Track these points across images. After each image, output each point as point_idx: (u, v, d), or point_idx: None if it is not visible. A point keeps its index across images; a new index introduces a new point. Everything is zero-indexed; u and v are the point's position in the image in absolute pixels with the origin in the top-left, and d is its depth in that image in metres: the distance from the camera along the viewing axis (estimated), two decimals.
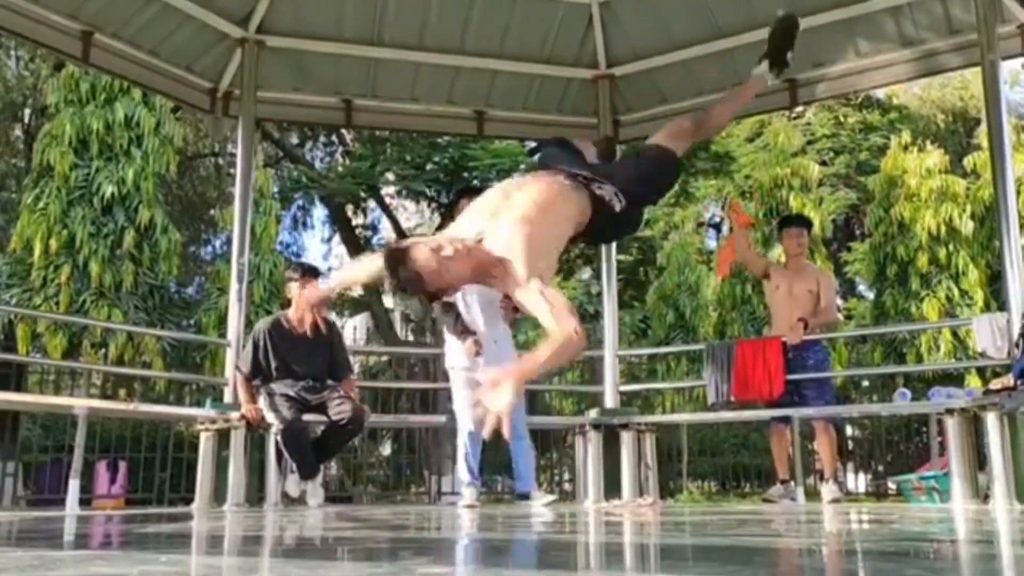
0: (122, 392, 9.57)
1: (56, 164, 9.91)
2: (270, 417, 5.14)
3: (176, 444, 8.28)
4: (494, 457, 9.08)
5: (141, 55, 5.90)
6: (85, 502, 6.28)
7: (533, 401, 8.26)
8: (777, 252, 8.54)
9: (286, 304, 6.42)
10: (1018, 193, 9.07)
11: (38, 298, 9.62)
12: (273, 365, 5.25)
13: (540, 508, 4.96)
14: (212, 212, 14.77)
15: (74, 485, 4.87)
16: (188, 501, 5.69)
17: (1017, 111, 14.54)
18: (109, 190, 9.89)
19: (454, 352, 5.27)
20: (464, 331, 5.12)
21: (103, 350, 9.81)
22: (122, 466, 8.00)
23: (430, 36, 6.41)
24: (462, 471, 5.31)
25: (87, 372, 8.54)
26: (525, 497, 5.30)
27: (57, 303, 9.58)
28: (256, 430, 5.27)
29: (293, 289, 5.39)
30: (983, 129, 9.28)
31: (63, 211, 9.83)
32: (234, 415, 5.27)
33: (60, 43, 5.61)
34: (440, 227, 14.74)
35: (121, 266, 9.88)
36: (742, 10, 6.07)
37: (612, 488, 5.77)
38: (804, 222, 6.45)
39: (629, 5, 6.33)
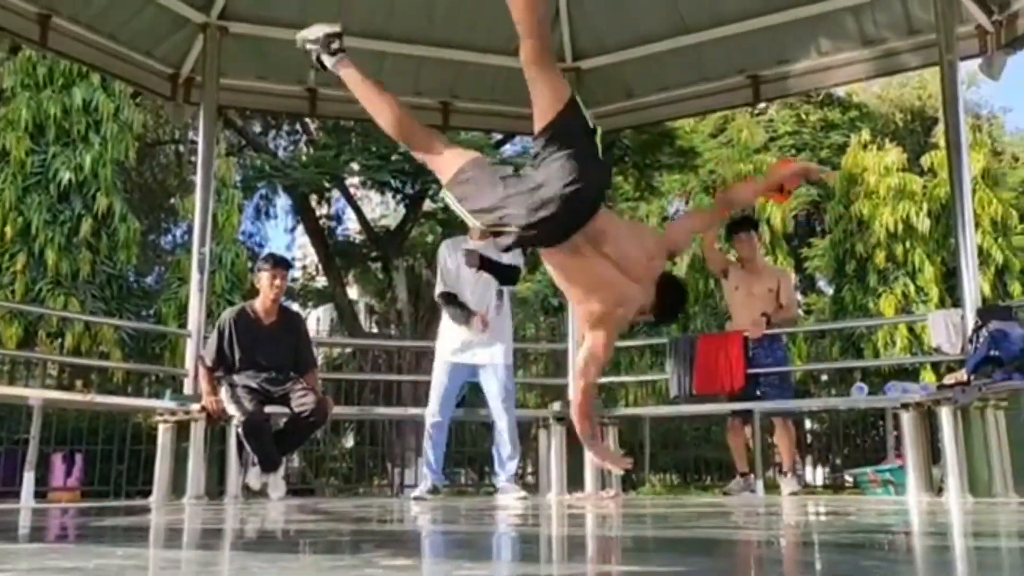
0: (79, 383, 9.41)
1: (12, 150, 9.70)
2: (231, 409, 5.09)
3: (134, 436, 8.15)
4: (457, 449, 9.08)
5: (100, 39, 5.78)
6: (40, 495, 6.15)
7: None
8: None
9: (249, 295, 6.35)
10: (974, 192, 9.26)
11: None
12: (237, 356, 5.20)
13: (507, 501, 4.97)
14: (172, 200, 14.54)
15: (29, 478, 4.79)
16: (146, 494, 5.61)
17: (973, 110, 14.82)
18: (66, 176, 9.70)
19: (446, 339, 5.30)
20: (465, 311, 5.22)
21: (59, 340, 9.63)
22: (78, 458, 7.85)
23: (396, 25, 6.37)
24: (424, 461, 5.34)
25: (42, 362, 8.38)
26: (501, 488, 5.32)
27: (12, 292, 9.38)
28: (217, 422, 5.22)
29: (263, 279, 5.32)
30: (941, 128, 9.45)
31: (18, 198, 9.62)
32: (194, 407, 5.21)
33: (17, 26, 5.48)
34: (405, 218, 14.62)
35: (78, 254, 9.70)
36: (708, 6, 6.12)
37: (575, 481, 5.80)
38: (750, 224, 6.51)
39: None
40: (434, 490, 5.22)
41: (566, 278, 2.87)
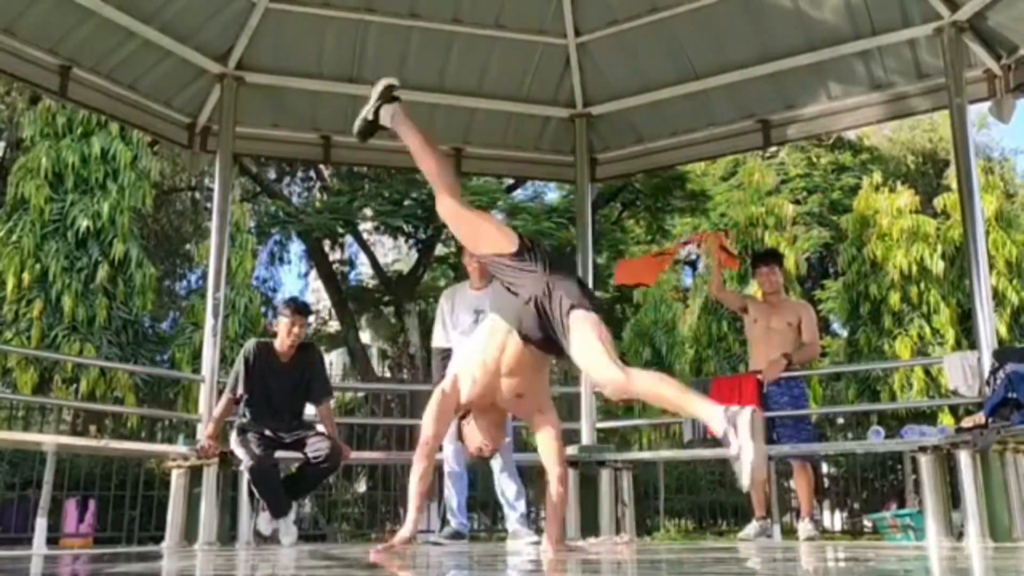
0: (92, 428, 9.42)
1: (31, 197, 9.85)
2: (240, 453, 5.07)
3: (147, 481, 8.15)
4: (468, 494, 9.00)
5: (119, 90, 5.88)
6: (52, 541, 6.14)
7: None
8: (753, 288, 8.62)
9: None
10: (987, 234, 9.25)
11: (9, 332, 9.49)
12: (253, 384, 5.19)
13: (519, 547, 4.91)
14: (188, 246, 14.69)
15: (41, 523, 4.77)
16: (158, 540, 5.59)
17: (985, 153, 14.85)
18: (84, 224, 9.83)
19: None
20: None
21: (74, 385, 9.67)
22: (91, 504, 7.85)
23: (409, 73, 6.44)
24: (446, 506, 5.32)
25: (57, 408, 8.42)
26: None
27: (28, 338, 9.45)
28: (230, 467, 5.20)
29: (282, 325, 5.32)
30: (952, 171, 9.47)
31: (37, 245, 9.75)
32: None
33: (37, 77, 5.59)
34: (417, 263, 14.71)
35: (94, 300, 9.78)
36: (715, 53, 6.19)
37: (589, 526, 5.73)
38: (774, 257, 6.33)
39: (605, 47, 6.43)
40: (456, 535, 5.16)
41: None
